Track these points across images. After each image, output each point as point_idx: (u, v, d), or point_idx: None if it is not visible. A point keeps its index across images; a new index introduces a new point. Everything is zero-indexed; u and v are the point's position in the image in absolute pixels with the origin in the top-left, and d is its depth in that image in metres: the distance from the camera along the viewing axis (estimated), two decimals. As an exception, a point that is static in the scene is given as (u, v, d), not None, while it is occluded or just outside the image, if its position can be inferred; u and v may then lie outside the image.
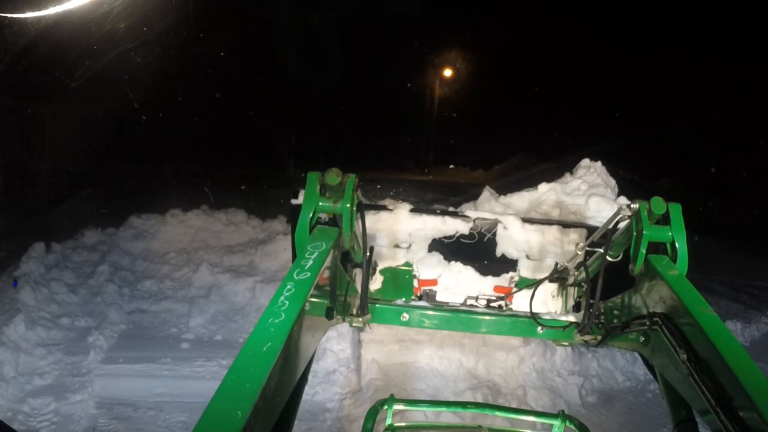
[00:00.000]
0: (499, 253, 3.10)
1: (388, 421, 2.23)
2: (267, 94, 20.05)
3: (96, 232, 7.95)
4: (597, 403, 4.97)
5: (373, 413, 2.21)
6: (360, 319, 2.15)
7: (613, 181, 4.22)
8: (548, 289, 3.00)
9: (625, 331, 1.92)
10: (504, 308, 2.73)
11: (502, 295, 2.89)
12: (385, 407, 2.25)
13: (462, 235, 3.10)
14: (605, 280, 2.05)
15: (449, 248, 3.10)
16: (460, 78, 21.94)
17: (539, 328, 2.27)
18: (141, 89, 12.45)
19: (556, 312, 2.82)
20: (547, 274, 2.68)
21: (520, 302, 2.80)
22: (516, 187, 4.34)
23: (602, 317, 2.16)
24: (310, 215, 1.93)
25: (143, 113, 13.77)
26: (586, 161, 4.34)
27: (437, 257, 3.09)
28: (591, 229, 2.89)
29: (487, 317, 2.36)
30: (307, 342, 1.55)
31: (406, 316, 2.32)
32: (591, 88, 18.06)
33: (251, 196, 10.92)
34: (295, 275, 1.56)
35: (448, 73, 22.13)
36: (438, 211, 3.17)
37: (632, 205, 2.00)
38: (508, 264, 3.10)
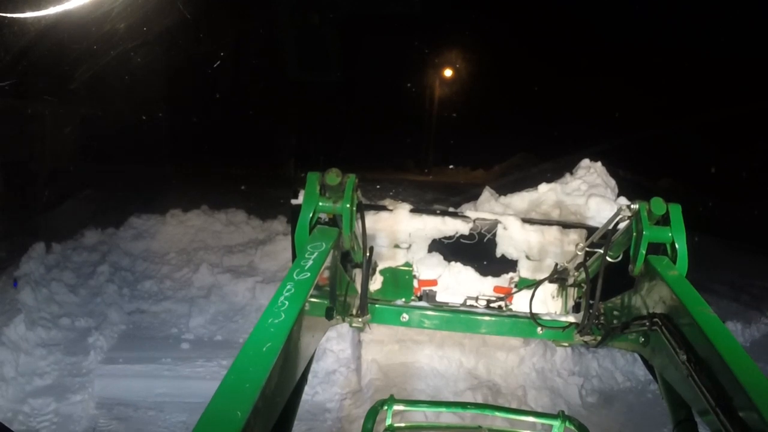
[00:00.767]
0: (499, 253, 3.10)
1: (388, 422, 2.23)
2: (267, 94, 20.03)
3: (96, 232, 7.94)
4: (597, 404, 4.97)
5: (373, 413, 2.21)
6: (360, 320, 2.15)
7: (613, 182, 4.23)
8: (548, 289, 3.00)
9: (624, 331, 1.92)
10: (504, 309, 2.73)
11: (502, 295, 2.89)
12: (385, 407, 2.25)
13: (462, 236, 3.11)
14: (605, 281, 2.05)
15: (449, 248, 3.10)
16: (460, 78, 21.94)
17: (539, 328, 2.27)
18: (140, 89, 12.41)
19: (555, 312, 2.82)
20: (546, 275, 2.69)
21: (519, 303, 2.80)
22: (516, 188, 4.34)
23: (602, 318, 2.16)
24: (310, 215, 1.93)
25: (143, 113, 13.74)
26: (586, 161, 4.34)
27: (437, 257, 3.10)
28: (591, 230, 2.89)
29: (486, 318, 2.36)
30: (306, 342, 1.56)
31: (405, 317, 2.32)
32: (591, 88, 18.06)
33: (251, 196, 10.91)
34: (294, 275, 1.56)
35: (448, 73, 22.12)
36: (438, 212, 3.18)
37: (632, 206, 2.00)
38: (507, 264, 3.10)
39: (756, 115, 14.55)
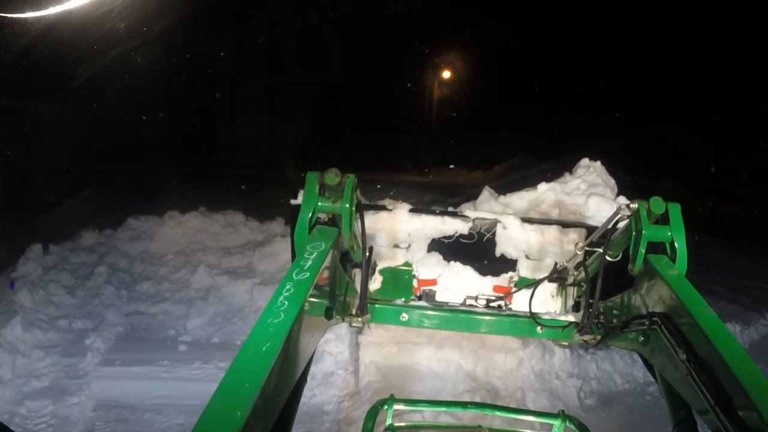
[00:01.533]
0: (498, 253, 3.10)
1: (388, 422, 2.23)
2: (266, 94, 20.03)
3: (94, 233, 7.92)
4: (595, 406, 4.94)
5: (373, 413, 2.20)
6: (359, 319, 2.15)
7: (612, 181, 4.23)
8: (548, 288, 3.00)
9: (624, 330, 1.91)
10: (503, 308, 2.73)
11: (502, 295, 2.89)
12: (385, 407, 2.25)
13: (461, 235, 3.10)
14: (604, 280, 2.05)
15: (449, 248, 3.10)
16: (459, 78, 21.94)
17: (539, 327, 2.27)
18: (140, 89, 12.39)
19: (555, 312, 2.82)
20: (546, 274, 2.68)
21: (519, 302, 2.80)
22: (516, 187, 4.34)
23: (602, 317, 2.16)
24: (310, 215, 1.93)
25: (142, 113, 13.70)
26: (585, 161, 4.34)
27: (437, 257, 3.09)
28: (590, 229, 2.89)
29: (486, 317, 2.36)
30: (306, 342, 1.55)
31: (405, 316, 2.32)
32: (591, 88, 18.06)
33: (250, 197, 10.90)
34: (294, 275, 1.56)
35: (447, 73, 22.13)
36: (437, 211, 3.17)
37: (631, 205, 2.00)
38: (507, 264, 3.10)
39: (756, 115, 14.56)
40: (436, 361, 5.09)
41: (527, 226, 3.12)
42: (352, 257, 2.31)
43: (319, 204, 1.96)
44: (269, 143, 20.00)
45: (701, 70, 17.23)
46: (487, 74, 20.42)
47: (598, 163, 4.32)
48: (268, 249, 7.60)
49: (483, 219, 3.12)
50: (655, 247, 1.96)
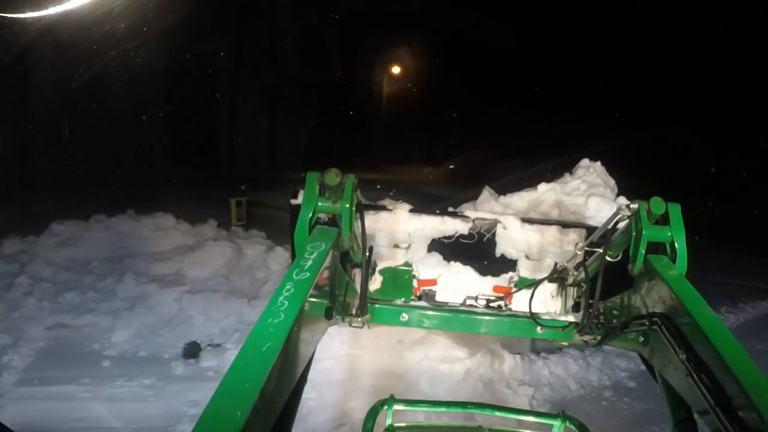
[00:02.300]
0: (498, 253, 3.10)
1: (388, 422, 2.24)
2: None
3: (16, 240, 7.55)
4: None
5: (373, 414, 2.21)
6: (359, 319, 2.15)
7: (612, 181, 4.23)
8: (547, 289, 3.00)
9: (624, 331, 1.92)
10: (503, 308, 2.73)
11: (502, 295, 2.89)
12: (385, 408, 2.26)
13: (461, 235, 3.11)
14: (604, 280, 2.05)
15: (449, 248, 3.11)
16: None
17: (538, 328, 2.27)
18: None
19: (555, 312, 2.82)
20: (546, 274, 2.68)
21: (519, 302, 2.80)
22: (515, 187, 4.33)
23: (602, 317, 2.16)
24: (310, 215, 1.93)
25: (84, 112, 13.18)
26: (585, 161, 4.34)
27: (437, 257, 3.10)
28: (590, 229, 2.89)
29: (486, 317, 2.36)
30: (306, 342, 1.56)
31: (405, 316, 2.32)
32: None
33: (183, 197, 10.48)
34: (294, 275, 1.56)
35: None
36: (437, 212, 3.18)
37: (631, 205, 2.00)
38: (507, 264, 3.10)
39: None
40: (374, 375, 4.87)
41: (527, 226, 3.12)
42: (352, 257, 2.31)
43: (319, 204, 1.96)
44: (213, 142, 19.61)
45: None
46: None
47: (598, 163, 4.32)
48: (199, 254, 7.39)
49: (483, 219, 3.12)
50: (655, 248, 1.96)
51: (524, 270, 3.09)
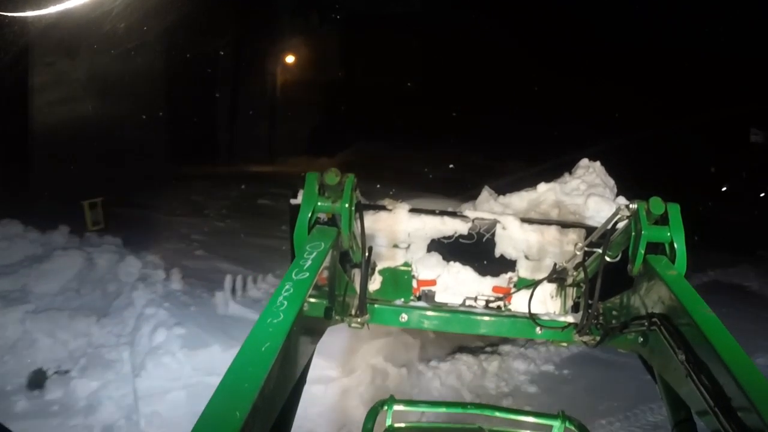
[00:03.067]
0: (497, 253, 3.10)
1: (388, 422, 2.24)
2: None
3: None
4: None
5: (373, 414, 2.21)
6: (359, 320, 2.16)
7: (612, 181, 4.22)
8: (547, 289, 3.00)
9: (623, 331, 1.92)
10: (503, 309, 2.73)
11: (501, 295, 2.89)
12: (385, 408, 2.26)
13: (461, 236, 3.10)
14: (604, 281, 2.05)
15: (448, 248, 3.10)
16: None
17: (538, 328, 2.27)
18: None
19: (554, 312, 2.82)
20: (545, 275, 2.69)
21: (518, 302, 2.80)
22: (515, 187, 4.33)
23: (601, 318, 2.16)
24: (309, 215, 1.93)
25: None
26: (585, 161, 4.33)
27: (436, 257, 3.09)
28: (590, 230, 2.89)
29: (485, 318, 2.36)
30: (305, 342, 1.56)
31: (404, 317, 2.32)
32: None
33: (38, 199, 9.60)
34: (293, 275, 1.56)
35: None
36: (437, 212, 3.17)
37: (631, 206, 2.00)
38: (506, 264, 3.10)
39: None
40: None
41: (527, 226, 3.12)
42: (352, 257, 2.32)
43: (319, 204, 1.96)
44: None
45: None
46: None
47: (598, 163, 4.31)
48: (47, 266, 6.57)
49: (482, 219, 3.12)
50: (655, 248, 1.96)
51: (523, 270, 3.08)
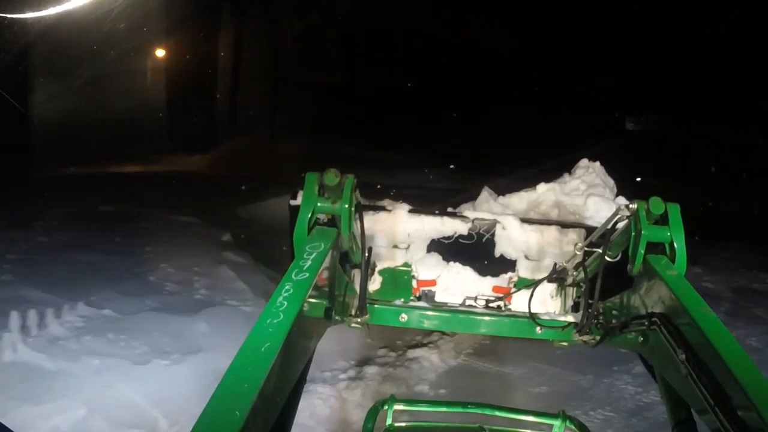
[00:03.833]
0: (497, 253, 3.10)
1: (389, 421, 2.24)
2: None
3: None
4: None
5: (373, 413, 2.21)
6: (358, 320, 2.16)
7: (611, 181, 4.22)
8: (547, 289, 3.00)
9: (623, 331, 1.92)
10: (503, 308, 2.73)
11: (501, 295, 2.89)
12: (385, 407, 2.26)
13: (461, 236, 3.11)
14: (604, 281, 2.05)
15: (448, 249, 3.10)
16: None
17: (538, 328, 2.28)
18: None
19: (555, 312, 2.82)
20: (545, 275, 2.69)
21: (518, 302, 2.80)
22: (515, 187, 4.32)
23: (601, 317, 2.16)
24: (309, 216, 1.94)
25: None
26: (584, 161, 4.33)
27: (436, 258, 3.09)
28: (590, 230, 2.89)
29: (485, 317, 2.36)
30: (305, 342, 1.56)
31: (404, 317, 2.32)
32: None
33: None
34: (293, 276, 1.56)
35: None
36: (437, 212, 3.17)
37: (630, 205, 2.00)
38: (506, 264, 3.10)
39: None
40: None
41: (526, 226, 3.12)
42: (352, 258, 2.32)
43: (319, 204, 1.96)
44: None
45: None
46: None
47: (597, 163, 4.31)
48: None
49: (482, 219, 3.12)
50: (655, 248, 1.96)
51: (523, 270, 3.08)
